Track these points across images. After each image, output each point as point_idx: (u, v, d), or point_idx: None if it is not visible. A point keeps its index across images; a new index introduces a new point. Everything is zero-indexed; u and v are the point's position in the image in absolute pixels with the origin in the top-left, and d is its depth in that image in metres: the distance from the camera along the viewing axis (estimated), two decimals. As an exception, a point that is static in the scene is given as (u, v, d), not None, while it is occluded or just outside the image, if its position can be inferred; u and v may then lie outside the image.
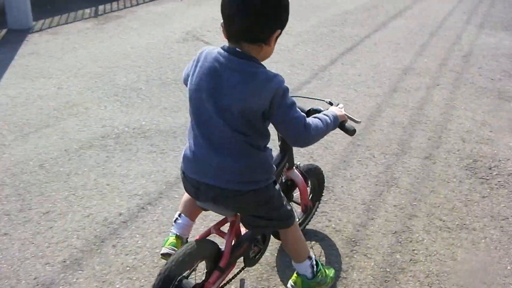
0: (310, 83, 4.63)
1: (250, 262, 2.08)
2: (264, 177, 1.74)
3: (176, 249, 1.96)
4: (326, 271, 2.16)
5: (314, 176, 2.43)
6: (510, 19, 7.08)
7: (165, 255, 1.97)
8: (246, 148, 1.65)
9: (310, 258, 2.05)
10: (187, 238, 2.11)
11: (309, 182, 2.35)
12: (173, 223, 2.10)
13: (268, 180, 1.76)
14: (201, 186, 1.72)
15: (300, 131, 1.64)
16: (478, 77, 4.93)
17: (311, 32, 6.23)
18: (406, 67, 5.14)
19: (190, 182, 1.75)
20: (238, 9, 1.53)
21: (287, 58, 5.27)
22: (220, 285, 1.94)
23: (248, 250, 2.00)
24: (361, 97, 4.37)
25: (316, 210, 2.63)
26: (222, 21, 1.59)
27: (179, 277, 1.70)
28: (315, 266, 2.06)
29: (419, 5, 7.82)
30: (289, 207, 1.88)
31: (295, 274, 2.09)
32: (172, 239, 2.03)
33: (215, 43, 5.54)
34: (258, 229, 1.95)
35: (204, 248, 1.81)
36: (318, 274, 2.07)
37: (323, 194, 2.62)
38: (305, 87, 4.54)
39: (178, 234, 2.05)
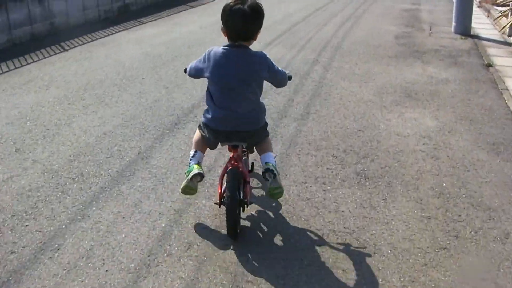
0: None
1: (252, 174, 3.27)
2: (264, 118, 2.87)
3: (201, 170, 2.84)
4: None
5: None
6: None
7: (196, 175, 2.80)
8: (258, 102, 2.76)
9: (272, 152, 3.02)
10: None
11: None
12: (191, 157, 2.93)
13: (265, 118, 2.91)
14: (232, 133, 2.76)
15: (285, 78, 2.88)
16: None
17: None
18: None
19: (222, 133, 2.77)
20: (238, 23, 2.63)
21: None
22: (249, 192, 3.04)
23: (248, 166, 3.18)
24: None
25: None
26: (222, 26, 2.70)
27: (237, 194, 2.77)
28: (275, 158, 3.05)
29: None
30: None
31: (265, 164, 2.86)
32: (196, 166, 2.86)
33: None
34: (253, 145, 2.99)
35: (239, 173, 2.81)
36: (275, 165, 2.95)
37: None
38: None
39: (198, 162, 2.91)
